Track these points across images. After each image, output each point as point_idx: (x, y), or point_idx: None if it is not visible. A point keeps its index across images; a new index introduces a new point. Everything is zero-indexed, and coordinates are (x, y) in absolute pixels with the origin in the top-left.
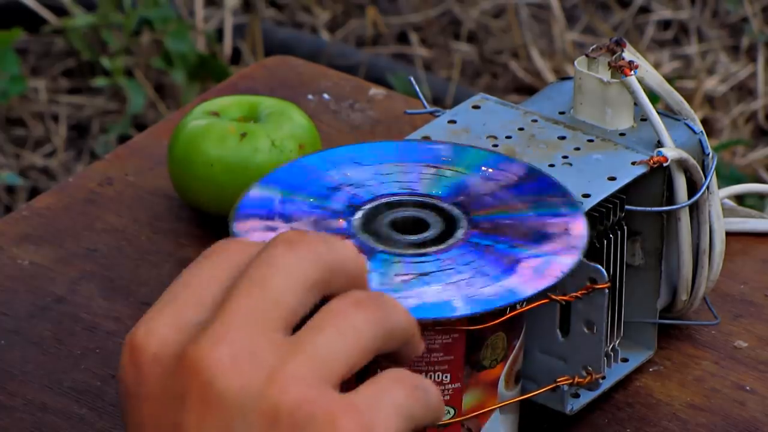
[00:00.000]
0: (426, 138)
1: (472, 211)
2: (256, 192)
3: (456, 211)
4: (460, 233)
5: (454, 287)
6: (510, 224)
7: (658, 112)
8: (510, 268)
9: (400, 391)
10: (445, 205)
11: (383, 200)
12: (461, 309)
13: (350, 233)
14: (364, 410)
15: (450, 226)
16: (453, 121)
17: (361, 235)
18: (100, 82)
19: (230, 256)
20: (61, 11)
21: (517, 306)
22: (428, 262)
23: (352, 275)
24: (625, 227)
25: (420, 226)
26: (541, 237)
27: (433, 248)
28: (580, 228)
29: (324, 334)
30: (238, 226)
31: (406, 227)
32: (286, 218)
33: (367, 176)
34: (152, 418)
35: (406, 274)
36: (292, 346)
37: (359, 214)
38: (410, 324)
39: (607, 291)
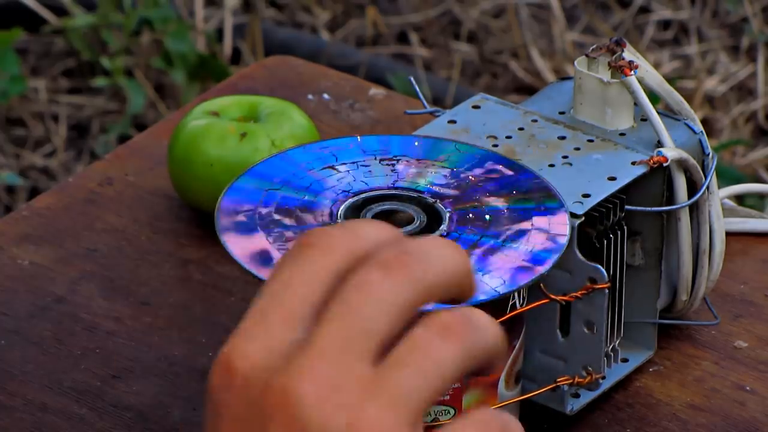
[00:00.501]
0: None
1: (456, 205)
2: (239, 185)
3: (439, 205)
4: (443, 227)
5: None
6: (494, 219)
7: (658, 112)
8: (493, 263)
9: None
10: (429, 199)
11: (367, 194)
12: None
13: None
14: None
15: (433, 220)
16: (453, 121)
17: None
18: (100, 82)
19: (321, 259)
20: (61, 11)
21: (517, 306)
22: None
23: (451, 287)
24: (625, 227)
25: (403, 220)
26: (524, 232)
27: None
28: (563, 223)
29: (406, 372)
30: (222, 220)
31: (389, 221)
32: (270, 212)
33: (351, 170)
34: None
35: None
36: (376, 384)
37: (342, 208)
38: (496, 345)
39: (607, 291)
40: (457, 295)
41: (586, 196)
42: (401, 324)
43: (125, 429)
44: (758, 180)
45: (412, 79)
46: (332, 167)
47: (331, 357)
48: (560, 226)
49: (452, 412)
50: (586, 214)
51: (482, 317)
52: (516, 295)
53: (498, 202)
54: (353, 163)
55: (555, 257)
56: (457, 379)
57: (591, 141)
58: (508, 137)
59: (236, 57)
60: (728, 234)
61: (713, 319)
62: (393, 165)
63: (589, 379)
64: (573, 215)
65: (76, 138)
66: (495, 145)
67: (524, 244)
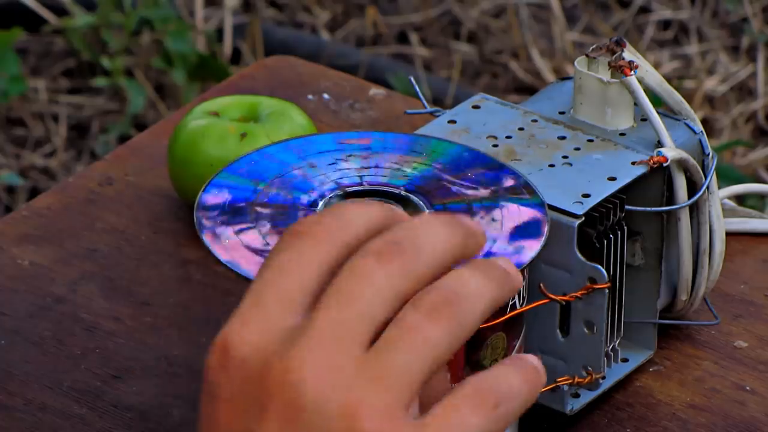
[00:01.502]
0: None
1: (435, 200)
2: (219, 181)
3: (419, 201)
4: None
5: None
6: (473, 215)
7: (658, 112)
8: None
9: (478, 418)
10: (409, 195)
11: (347, 190)
12: None
13: None
14: None
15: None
16: (453, 121)
17: None
18: (100, 82)
19: (316, 248)
20: (61, 11)
21: (517, 306)
22: None
23: (447, 264)
24: (625, 227)
25: None
26: (503, 227)
27: None
28: (541, 219)
29: (398, 353)
30: (201, 216)
31: None
32: (249, 209)
33: (331, 167)
34: (228, 421)
35: None
36: (370, 367)
37: (321, 205)
38: (490, 307)
39: (607, 291)
40: (460, 261)
41: (586, 196)
42: (395, 310)
43: (125, 429)
44: (758, 180)
45: (412, 79)
46: (312, 165)
47: (328, 342)
48: (539, 221)
49: None
50: (586, 214)
51: (471, 284)
52: (516, 294)
53: (478, 198)
54: (333, 160)
55: (532, 254)
56: (450, 356)
57: (591, 141)
58: (508, 137)
59: (236, 57)
60: (728, 234)
61: (713, 319)
62: (372, 161)
63: (589, 379)
64: (573, 215)
65: (76, 138)
66: (495, 145)
67: (503, 239)
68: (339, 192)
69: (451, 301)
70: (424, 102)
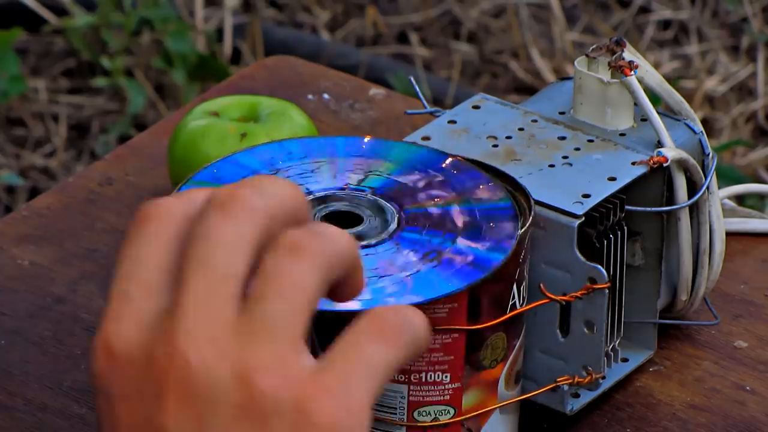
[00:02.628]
0: (426, 138)
1: (405, 204)
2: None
3: (388, 206)
4: (392, 227)
5: (388, 280)
6: (442, 218)
7: (658, 112)
8: (443, 262)
9: (379, 347)
10: (378, 199)
11: (316, 195)
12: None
13: None
14: (337, 391)
15: (383, 219)
16: (453, 121)
17: None
18: (100, 82)
19: (162, 228)
20: (61, 11)
21: (517, 306)
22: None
23: (291, 213)
24: (625, 227)
25: (353, 220)
26: (472, 230)
27: (364, 242)
28: (509, 222)
29: (269, 302)
30: None
31: (339, 222)
32: None
33: (300, 171)
34: (128, 416)
35: None
36: (246, 322)
37: None
38: (351, 252)
39: (607, 291)
40: (297, 220)
41: (586, 196)
42: (253, 257)
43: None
44: (758, 180)
45: (412, 79)
46: (277, 171)
47: (199, 312)
48: (507, 224)
49: (452, 411)
50: (586, 214)
51: (329, 228)
52: (516, 294)
53: (448, 201)
54: (302, 163)
55: (503, 258)
56: (323, 293)
57: (591, 141)
58: (508, 137)
59: (236, 57)
60: (728, 234)
61: (713, 319)
62: (345, 167)
63: (589, 379)
64: (573, 215)
65: (76, 138)
66: (495, 146)
67: (472, 243)
68: (310, 197)
69: (310, 238)
70: (424, 102)
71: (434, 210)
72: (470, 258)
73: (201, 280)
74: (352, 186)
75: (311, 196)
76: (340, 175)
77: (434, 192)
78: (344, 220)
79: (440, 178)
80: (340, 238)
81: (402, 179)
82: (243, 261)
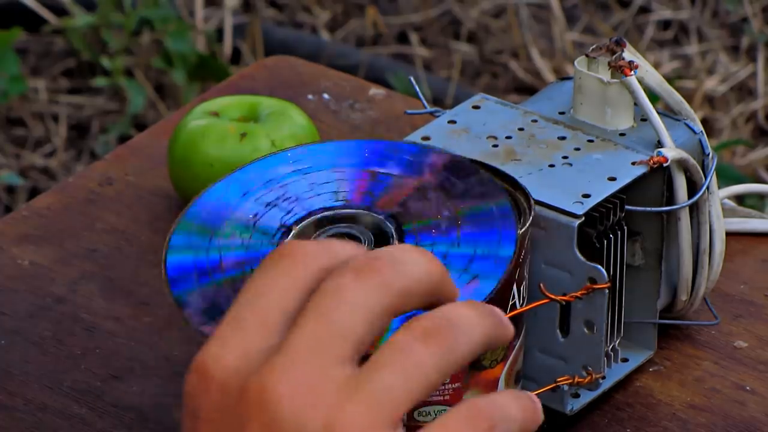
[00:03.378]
0: (426, 138)
1: (404, 221)
2: (178, 239)
3: (386, 225)
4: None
5: None
6: (440, 235)
7: (658, 112)
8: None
9: None
10: (377, 218)
11: (315, 216)
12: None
13: None
14: None
15: (380, 240)
16: (453, 121)
17: None
18: (100, 82)
19: (296, 270)
20: (61, 11)
21: (517, 306)
22: None
23: (427, 293)
24: (625, 227)
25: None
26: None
27: None
28: (509, 238)
29: (385, 373)
30: (170, 262)
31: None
32: (216, 252)
33: (303, 188)
34: None
35: None
36: (354, 385)
37: (291, 235)
38: (484, 339)
39: (607, 291)
40: (436, 299)
41: (586, 196)
42: (377, 328)
43: (125, 429)
44: (758, 180)
45: (412, 79)
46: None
47: (305, 359)
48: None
49: None
50: (586, 214)
51: (467, 314)
52: (516, 294)
53: (447, 216)
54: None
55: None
56: (440, 383)
57: (591, 141)
58: (508, 137)
59: (236, 57)
60: (728, 234)
61: (713, 319)
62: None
63: (589, 379)
64: (573, 215)
65: (76, 138)
66: (495, 146)
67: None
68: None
69: (445, 328)
70: (424, 102)
71: (432, 225)
72: (474, 265)
73: (317, 330)
74: (353, 203)
75: (311, 218)
76: (343, 189)
77: (433, 205)
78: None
79: (437, 181)
80: (477, 327)
81: (399, 186)
82: (363, 326)
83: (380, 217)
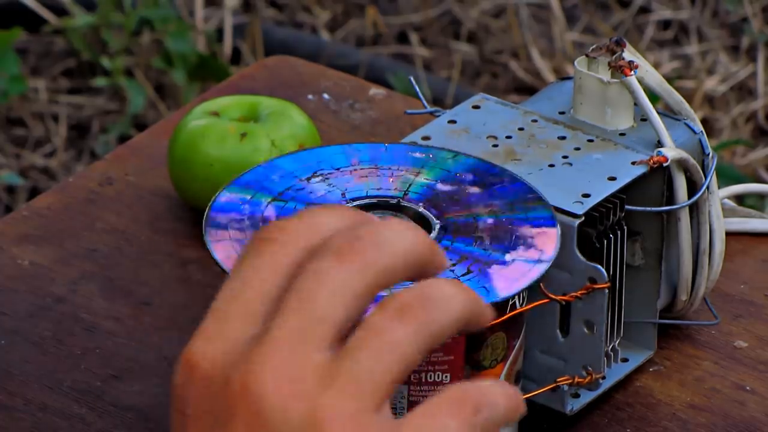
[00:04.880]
0: (426, 138)
1: (445, 213)
2: (226, 196)
3: (429, 214)
4: (432, 236)
5: None
6: (483, 228)
7: (658, 112)
8: (482, 273)
9: (456, 422)
10: (419, 208)
11: (355, 203)
12: None
13: None
14: None
15: (423, 228)
16: (453, 121)
17: None
18: (100, 82)
19: (276, 254)
20: (61, 11)
21: (517, 306)
22: None
23: (413, 266)
24: (625, 227)
25: None
26: (513, 242)
27: None
28: (552, 234)
29: (362, 356)
30: (210, 234)
31: None
32: (257, 225)
33: (341, 179)
34: None
35: None
36: (334, 369)
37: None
38: (461, 314)
39: (607, 291)
40: (421, 273)
41: (586, 196)
42: (358, 310)
43: (125, 429)
44: (758, 180)
45: (412, 79)
46: (322, 176)
47: (287, 348)
48: (549, 234)
49: None
50: (586, 214)
51: (443, 289)
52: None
53: (486, 211)
54: (343, 170)
55: (545, 266)
56: (420, 360)
57: (591, 141)
58: (508, 137)
59: (236, 57)
60: (728, 234)
61: (713, 319)
62: (382, 173)
63: (589, 379)
64: (573, 215)
65: (76, 138)
66: (495, 146)
67: (513, 254)
68: (350, 205)
69: (420, 303)
70: (424, 102)
71: (474, 220)
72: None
73: (297, 316)
74: (393, 194)
75: (351, 204)
76: (382, 183)
77: (475, 201)
78: None
79: (482, 187)
80: (454, 301)
81: (444, 188)
82: (345, 310)
83: (422, 208)
